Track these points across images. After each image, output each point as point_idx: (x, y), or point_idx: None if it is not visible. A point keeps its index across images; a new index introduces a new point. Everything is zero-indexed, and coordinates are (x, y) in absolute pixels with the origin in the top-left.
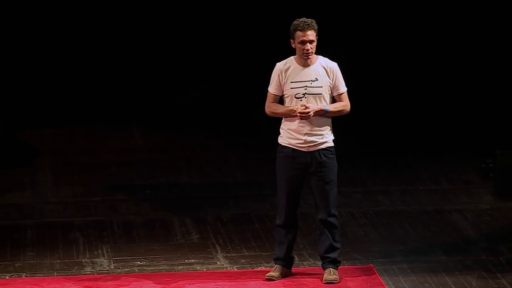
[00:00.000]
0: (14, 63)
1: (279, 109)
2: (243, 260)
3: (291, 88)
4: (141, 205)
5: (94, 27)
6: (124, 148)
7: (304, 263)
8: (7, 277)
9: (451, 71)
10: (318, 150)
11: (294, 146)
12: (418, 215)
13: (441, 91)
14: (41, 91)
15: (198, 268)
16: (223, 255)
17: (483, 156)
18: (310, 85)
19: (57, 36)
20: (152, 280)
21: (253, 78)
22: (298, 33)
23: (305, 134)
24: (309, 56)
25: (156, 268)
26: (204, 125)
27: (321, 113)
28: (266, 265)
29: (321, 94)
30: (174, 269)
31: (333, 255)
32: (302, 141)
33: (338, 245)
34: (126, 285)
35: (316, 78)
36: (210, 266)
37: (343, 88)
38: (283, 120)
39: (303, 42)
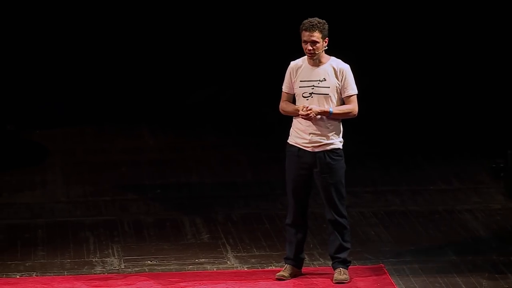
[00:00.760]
0: (25, 63)
1: (288, 108)
2: (253, 260)
3: (299, 87)
4: (152, 205)
5: (104, 26)
6: (134, 148)
7: (315, 262)
8: (18, 276)
9: (462, 71)
10: (323, 151)
11: (300, 145)
12: (428, 215)
13: (452, 91)
14: (52, 91)
15: (209, 267)
16: (234, 255)
17: (493, 156)
18: (317, 85)
19: (67, 36)
20: (162, 280)
21: (264, 78)
22: (303, 32)
23: (310, 134)
24: (313, 57)
25: (167, 267)
26: (214, 124)
27: (325, 115)
28: (277, 264)
29: (328, 94)
30: (185, 268)
31: (343, 255)
32: (307, 141)
33: (348, 245)
34: (136, 285)
35: (324, 78)
36: (221, 266)
37: (351, 91)
38: (293, 119)
39: (305, 42)
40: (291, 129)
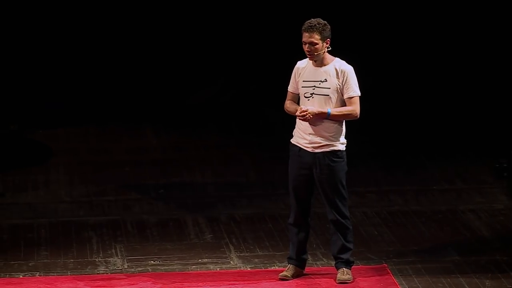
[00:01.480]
0: (28, 63)
1: (291, 107)
2: (256, 260)
3: (302, 87)
4: (155, 205)
5: (108, 26)
6: (138, 148)
7: (318, 262)
8: (21, 276)
9: (465, 71)
10: (323, 152)
11: (301, 145)
12: (431, 215)
13: (455, 91)
14: (55, 91)
15: (212, 267)
16: (237, 255)
17: (497, 156)
18: (318, 86)
19: (71, 36)
20: (165, 280)
21: (266, 78)
22: (303, 33)
23: (310, 134)
24: (312, 58)
25: (170, 267)
26: (217, 124)
27: (324, 116)
28: (280, 264)
29: (328, 95)
30: (188, 268)
31: (345, 255)
32: (307, 141)
33: (350, 245)
34: (139, 285)
35: (325, 79)
36: (224, 266)
37: (352, 93)
38: (296, 119)
39: (304, 43)
40: (295, 129)
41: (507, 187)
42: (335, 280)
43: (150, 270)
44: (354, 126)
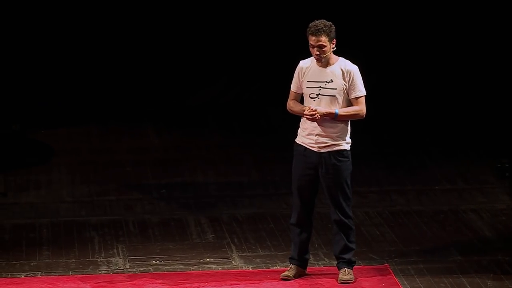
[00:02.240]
0: (30, 63)
1: (295, 107)
2: (258, 260)
3: (307, 87)
4: (157, 204)
5: (110, 26)
6: (140, 147)
7: (320, 262)
8: (23, 276)
9: (467, 71)
10: (329, 152)
11: (307, 145)
12: (433, 215)
13: (457, 91)
14: (56, 91)
15: (213, 267)
16: (238, 255)
17: (499, 156)
18: (324, 86)
19: (72, 36)
20: (167, 280)
21: (269, 77)
22: (310, 36)
23: (317, 134)
24: (320, 60)
25: (171, 267)
26: (219, 124)
27: (331, 116)
28: (281, 264)
29: (335, 96)
30: (189, 268)
31: (348, 255)
32: (313, 141)
33: (352, 245)
34: (142, 285)
35: (331, 80)
36: (225, 266)
37: (359, 92)
38: (300, 119)
39: (312, 46)
40: (299, 128)
41: (509, 187)
42: (337, 280)
43: (152, 270)
44: (356, 126)
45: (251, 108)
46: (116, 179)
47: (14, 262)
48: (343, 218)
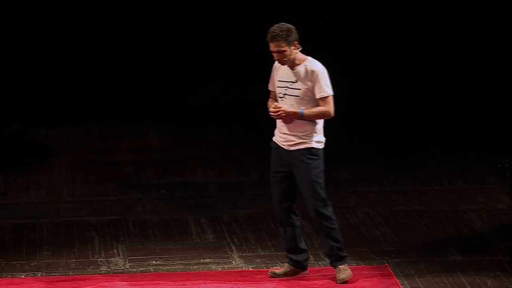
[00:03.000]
0: (30, 63)
1: (268, 105)
2: (258, 260)
3: (277, 86)
4: (157, 204)
5: (109, 26)
6: (140, 147)
7: (320, 262)
8: (23, 276)
9: (467, 70)
10: (298, 150)
11: (279, 143)
12: (433, 215)
13: (457, 91)
14: (57, 91)
15: (214, 267)
16: (239, 255)
17: (499, 156)
18: (290, 86)
19: (72, 36)
20: (167, 280)
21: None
22: (269, 42)
23: (285, 133)
24: (284, 63)
25: (172, 267)
26: (219, 124)
27: (297, 116)
28: (282, 264)
29: (299, 96)
30: (190, 268)
31: (335, 253)
32: (283, 139)
33: (338, 244)
34: (142, 285)
35: (296, 80)
36: (226, 266)
37: (324, 93)
38: None
39: (272, 52)
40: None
41: (510, 187)
42: (336, 280)
43: (152, 270)
44: (355, 126)
45: (251, 108)
46: (116, 179)
47: (14, 262)
48: (318, 218)
